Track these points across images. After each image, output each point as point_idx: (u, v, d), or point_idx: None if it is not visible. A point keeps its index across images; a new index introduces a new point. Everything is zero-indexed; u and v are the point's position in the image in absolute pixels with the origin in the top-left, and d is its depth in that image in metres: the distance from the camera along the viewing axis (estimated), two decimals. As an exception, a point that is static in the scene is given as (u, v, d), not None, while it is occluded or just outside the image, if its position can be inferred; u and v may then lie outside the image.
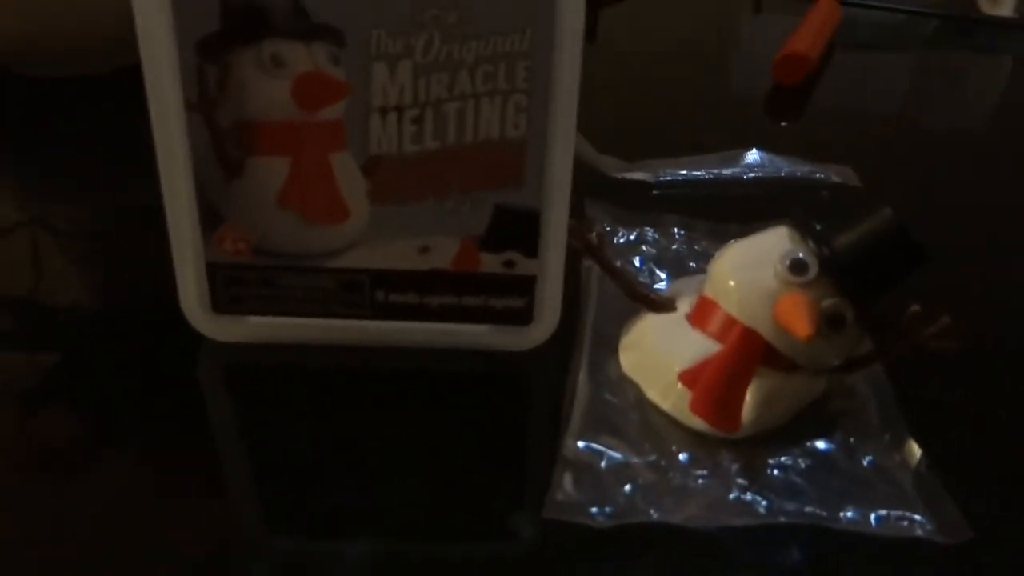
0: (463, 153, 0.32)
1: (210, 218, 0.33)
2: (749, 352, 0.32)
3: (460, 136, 0.32)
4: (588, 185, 0.46)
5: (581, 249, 0.35)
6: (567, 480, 0.30)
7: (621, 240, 0.42)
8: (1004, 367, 0.37)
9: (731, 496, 0.30)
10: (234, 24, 0.30)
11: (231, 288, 0.34)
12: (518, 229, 0.34)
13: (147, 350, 0.36)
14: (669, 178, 0.49)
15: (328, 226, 0.33)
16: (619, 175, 0.48)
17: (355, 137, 0.32)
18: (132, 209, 0.44)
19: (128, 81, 0.32)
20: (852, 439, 0.33)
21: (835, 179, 0.49)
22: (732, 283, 0.33)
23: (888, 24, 0.76)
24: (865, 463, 0.32)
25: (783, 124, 0.60)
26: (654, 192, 0.48)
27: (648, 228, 0.43)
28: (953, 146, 0.57)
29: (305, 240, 0.34)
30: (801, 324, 0.30)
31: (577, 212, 0.43)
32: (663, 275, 0.40)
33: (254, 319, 0.35)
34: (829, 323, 0.31)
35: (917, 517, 0.30)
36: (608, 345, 0.36)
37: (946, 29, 0.76)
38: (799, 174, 0.49)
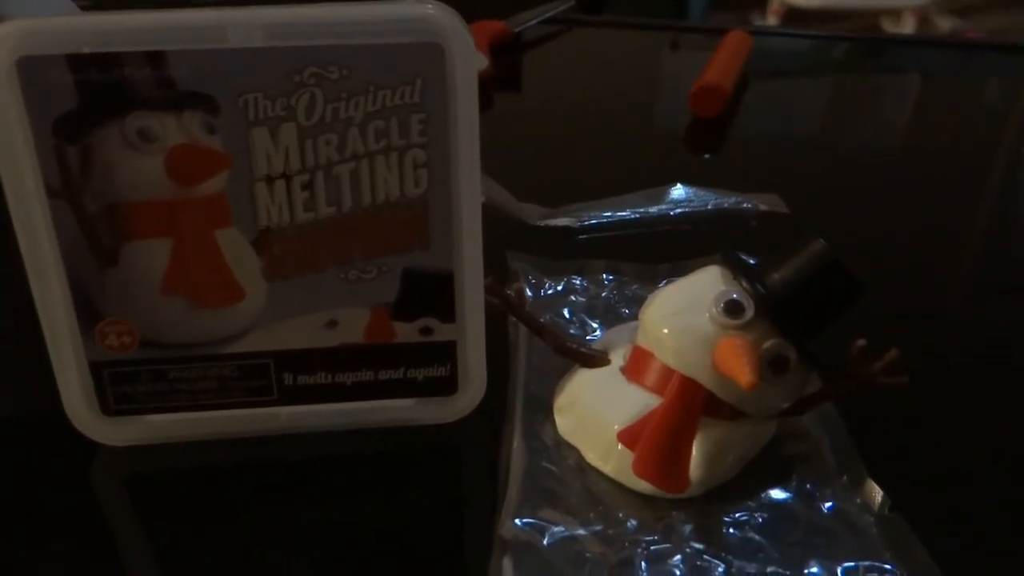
0: (362, 217, 0.29)
1: (88, 313, 0.30)
2: (690, 404, 0.29)
3: (357, 199, 0.29)
4: (510, 237, 0.44)
5: (501, 307, 0.33)
6: (507, 566, 0.28)
7: (548, 292, 0.40)
8: (952, 389, 0.36)
9: (686, 562, 0.28)
10: (93, 100, 0.27)
11: (120, 387, 0.31)
12: (431, 293, 0.31)
13: (36, 469, 0.32)
14: (594, 221, 0.47)
15: (222, 309, 0.30)
16: (541, 223, 0.46)
17: (241, 210, 0.29)
18: (2, 314, 0.40)
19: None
20: (809, 485, 0.30)
21: (762, 207, 0.48)
22: (666, 331, 0.30)
23: (800, 50, 0.77)
24: (825, 510, 0.30)
25: (705, 156, 0.59)
26: (580, 237, 0.46)
27: (575, 276, 0.41)
28: (871, 162, 0.56)
29: (197, 327, 0.30)
30: (743, 372, 0.28)
31: (499, 267, 0.41)
32: (595, 324, 0.38)
33: (150, 418, 0.32)
34: (772, 366, 0.29)
35: (887, 566, 0.28)
36: (542, 408, 0.33)
37: (855, 51, 0.77)
38: (726, 205, 0.48)
